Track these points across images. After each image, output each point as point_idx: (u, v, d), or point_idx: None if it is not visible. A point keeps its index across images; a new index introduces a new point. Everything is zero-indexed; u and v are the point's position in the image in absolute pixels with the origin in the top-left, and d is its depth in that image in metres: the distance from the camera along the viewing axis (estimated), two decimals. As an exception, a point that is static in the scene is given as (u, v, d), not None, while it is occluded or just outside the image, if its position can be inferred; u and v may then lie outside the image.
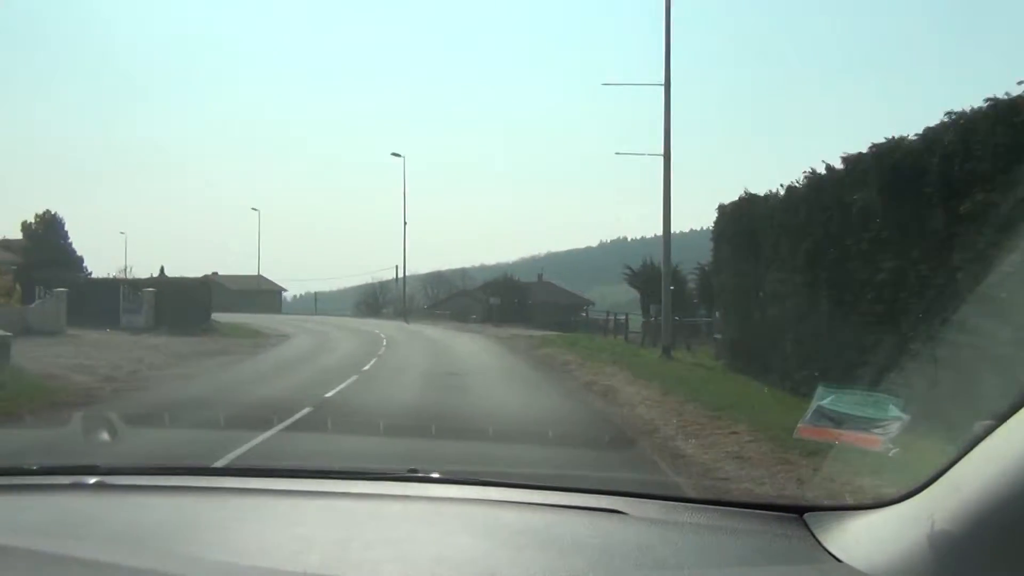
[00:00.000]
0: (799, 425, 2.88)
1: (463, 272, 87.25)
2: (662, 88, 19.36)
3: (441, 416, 9.64)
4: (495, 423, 8.33)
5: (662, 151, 19.33)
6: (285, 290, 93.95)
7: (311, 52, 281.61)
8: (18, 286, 31.53)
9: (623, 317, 34.79)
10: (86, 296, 32.52)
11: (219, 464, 4.73)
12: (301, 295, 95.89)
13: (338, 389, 12.90)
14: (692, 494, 2.18)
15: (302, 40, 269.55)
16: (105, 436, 3.41)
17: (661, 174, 19.63)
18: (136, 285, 34.34)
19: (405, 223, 53.90)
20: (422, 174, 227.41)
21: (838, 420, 2.72)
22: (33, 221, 60.83)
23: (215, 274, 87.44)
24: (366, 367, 17.25)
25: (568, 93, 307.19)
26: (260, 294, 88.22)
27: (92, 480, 1.97)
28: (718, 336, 18.37)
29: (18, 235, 58.85)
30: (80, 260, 64.50)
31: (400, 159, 53.52)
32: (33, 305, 27.54)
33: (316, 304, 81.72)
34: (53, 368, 16.37)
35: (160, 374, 16.48)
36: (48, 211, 61.65)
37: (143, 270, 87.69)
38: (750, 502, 1.92)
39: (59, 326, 26.95)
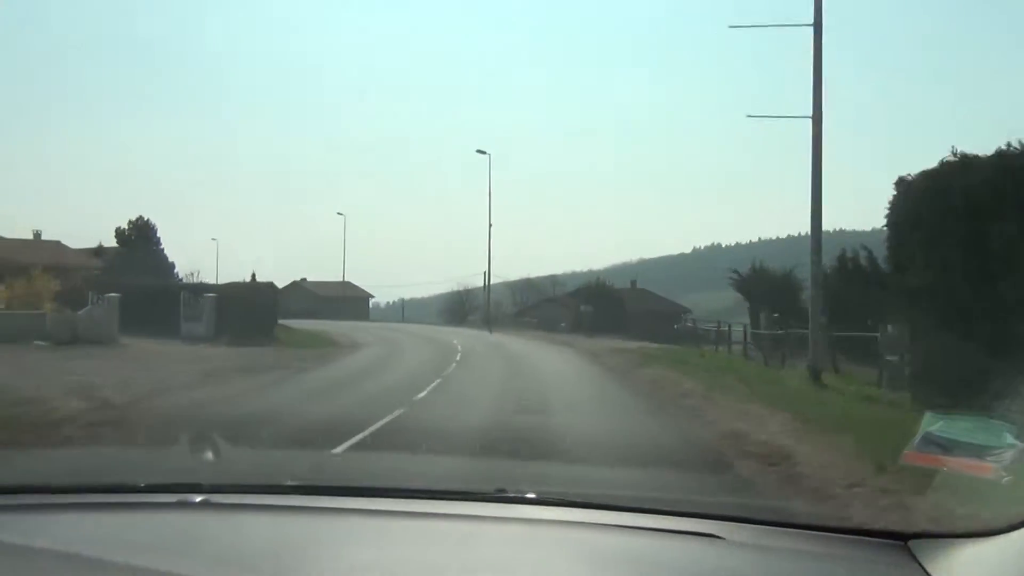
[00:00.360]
0: (905, 451, 3.03)
1: (552, 279, 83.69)
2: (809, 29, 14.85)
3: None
4: None
5: (810, 112, 14.85)
6: (372, 297, 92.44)
7: (400, 59, 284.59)
8: (91, 293, 29.53)
9: (732, 327, 30.14)
10: (152, 302, 30.24)
11: None
12: (392, 302, 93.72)
13: (366, 433, 9.07)
14: (792, 519, 2.08)
15: (389, 48, 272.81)
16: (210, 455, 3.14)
17: (808, 147, 15.15)
18: (197, 291, 31.79)
19: (490, 224, 50.79)
20: (512, 180, 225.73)
21: (947, 447, 2.78)
22: (127, 227, 60.97)
23: (304, 280, 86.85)
24: (421, 394, 13.43)
25: (666, 96, 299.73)
26: (347, 301, 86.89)
27: (198, 499, 2.00)
28: (892, 358, 13.65)
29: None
30: (171, 266, 64.12)
31: (485, 156, 50.70)
32: (81, 312, 25.14)
33: (403, 311, 79.49)
34: (46, 388, 13.38)
35: (171, 399, 13.18)
36: (141, 217, 61.72)
37: (234, 277, 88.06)
38: (853, 528, 1.88)
39: (109, 335, 24.52)
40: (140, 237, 60.18)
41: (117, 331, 24.94)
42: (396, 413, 10.74)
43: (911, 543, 1.63)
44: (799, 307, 30.79)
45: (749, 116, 24.54)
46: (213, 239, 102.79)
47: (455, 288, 75.73)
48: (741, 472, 7.26)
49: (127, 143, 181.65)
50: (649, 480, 5.43)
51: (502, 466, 5.65)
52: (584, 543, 1.77)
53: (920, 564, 1.53)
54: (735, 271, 36.39)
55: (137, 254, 59.74)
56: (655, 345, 29.84)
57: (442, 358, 22.35)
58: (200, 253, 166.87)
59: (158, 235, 62.90)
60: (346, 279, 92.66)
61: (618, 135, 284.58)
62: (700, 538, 1.73)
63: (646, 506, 2.02)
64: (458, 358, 22.46)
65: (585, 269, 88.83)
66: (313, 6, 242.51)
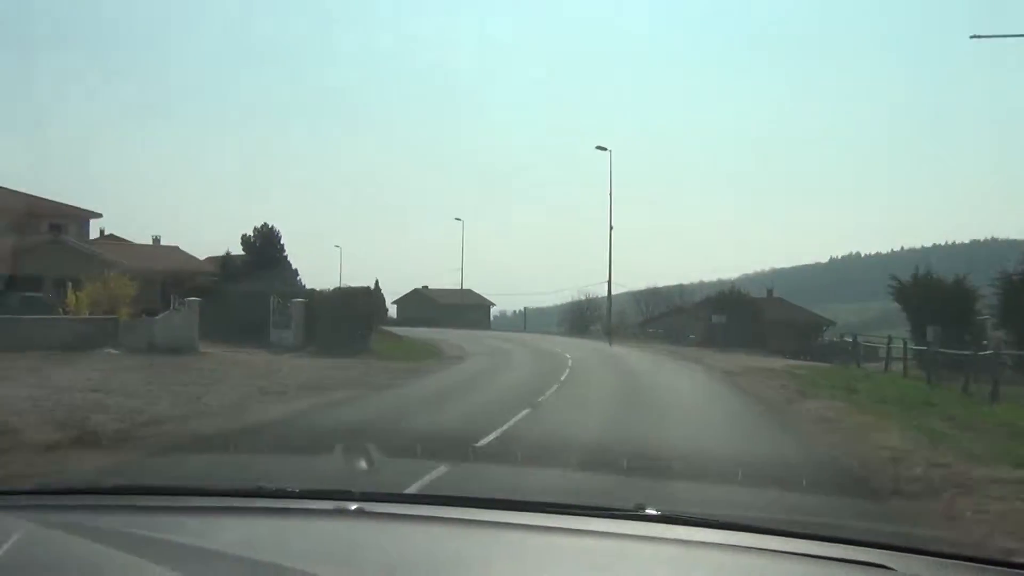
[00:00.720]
0: None
1: (680, 288, 78.67)
2: None
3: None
4: None
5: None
6: (493, 305, 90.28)
7: (522, 62, 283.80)
8: (173, 297, 28.14)
9: (891, 341, 25.05)
10: (249, 309, 28.52)
11: None
12: (516, 311, 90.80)
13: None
14: (966, 552, 1.89)
15: (512, 52, 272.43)
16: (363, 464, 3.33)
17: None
18: (288, 296, 29.75)
19: (611, 227, 46.98)
20: (638, 188, 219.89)
21: None
22: (252, 235, 61.27)
23: (425, 288, 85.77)
24: (487, 439, 9.19)
25: (804, 101, 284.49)
26: (467, 309, 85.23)
27: (353, 507, 2.03)
28: None
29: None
30: (295, 273, 63.82)
31: (606, 152, 46.94)
32: (159, 317, 23.29)
33: (525, 320, 76.70)
34: (42, 408, 10.92)
35: (162, 429, 10.24)
36: (266, 224, 61.83)
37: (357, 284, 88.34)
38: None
39: (188, 342, 22.59)
40: (265, 244, 60.51)
41: (196, 338, 23.02)
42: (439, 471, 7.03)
43: None
44: (973, 319, 26.24)
45: (974, 37, 19.47)
46: (336, 246, 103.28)
47: (577, 297, 72.15)
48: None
49: (253, 150, 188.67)
50: (803, 506, 4.71)
51: None
52: (738, 567, 1.71)
53: None
54: (895, 278, 31.39)
55: (262, 261, 59.17)
56: (799, 362, 25.29)
57: (545, 376, 18.70)
58: (327, 262, 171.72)
59: (282, 242, 63.29)
60: (467, 287, 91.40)
61: (748, 139, 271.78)
62: (866, 567, 1.65)
63: (805, 531, 1.90)
64: (564, 377, 18.79)
65: (714, 279, 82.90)
66: (431, 15, 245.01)
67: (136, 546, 1.63)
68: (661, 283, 76.50)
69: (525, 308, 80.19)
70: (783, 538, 1.83)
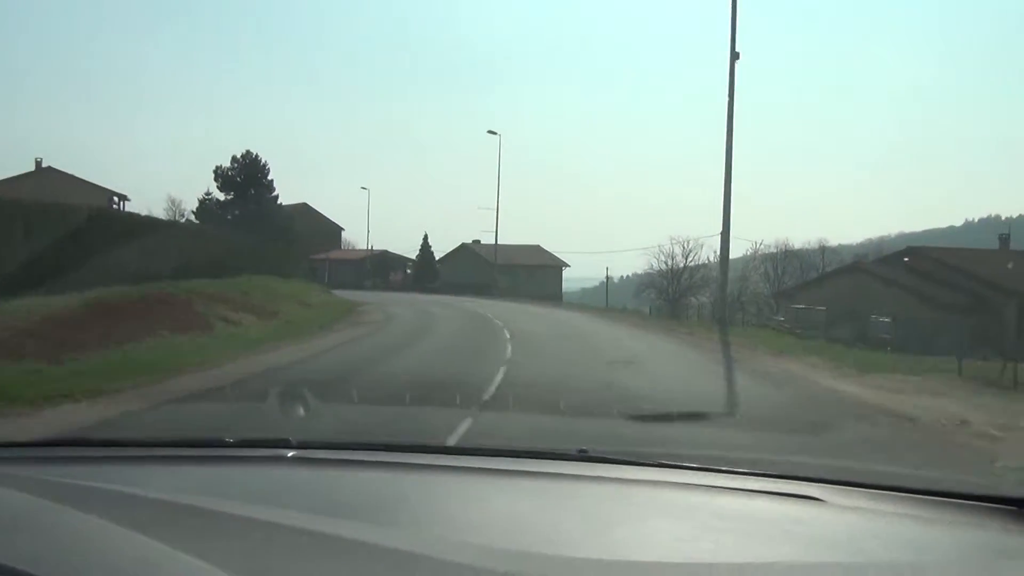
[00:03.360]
0: None
1: (824, 250, 57.28)
2: None
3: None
4: None
5: None
6: (567, 266, 70.55)
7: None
8: None
9: None
10: None
11: None
12: (615, 276, 70.01)
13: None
14: (897, 482, 1.91)
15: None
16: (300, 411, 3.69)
17: None
18: None
19: (730, 146, 26.47)
20: (754, 142, 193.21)
21: None
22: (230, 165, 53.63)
23: (476, 243, 67.04)
24: None
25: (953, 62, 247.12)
26: (533, 272, 66.25)
27: (290, 453, 2.05)
28: None
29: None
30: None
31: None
32: None
33: (607, 292, 56.77)
34: None
35: None
36: (248, 153, 52.51)
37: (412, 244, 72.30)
38: (964, 492, 1.80)
39: None
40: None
41: None
42: None
43: None
44: None
45: None
46: (363, 188, 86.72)
47: (665, 261, 51.97)
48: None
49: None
50: (751, 443, 5.37)
51: None
52: (666, 502, 1.78)
53: None
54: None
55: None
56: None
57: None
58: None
59: (270, 177, 54.51)
60: (536, 243, 72.41)
61: (881, 99, 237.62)
62: (799, 500, 1.71)
63: (740, 468, 1.98)
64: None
65: (835, 243, 59.02)
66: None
67: (64, 495, 1.57)
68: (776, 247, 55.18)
69: (609, 275, 59.81)
70: (715, 474, 1.91)
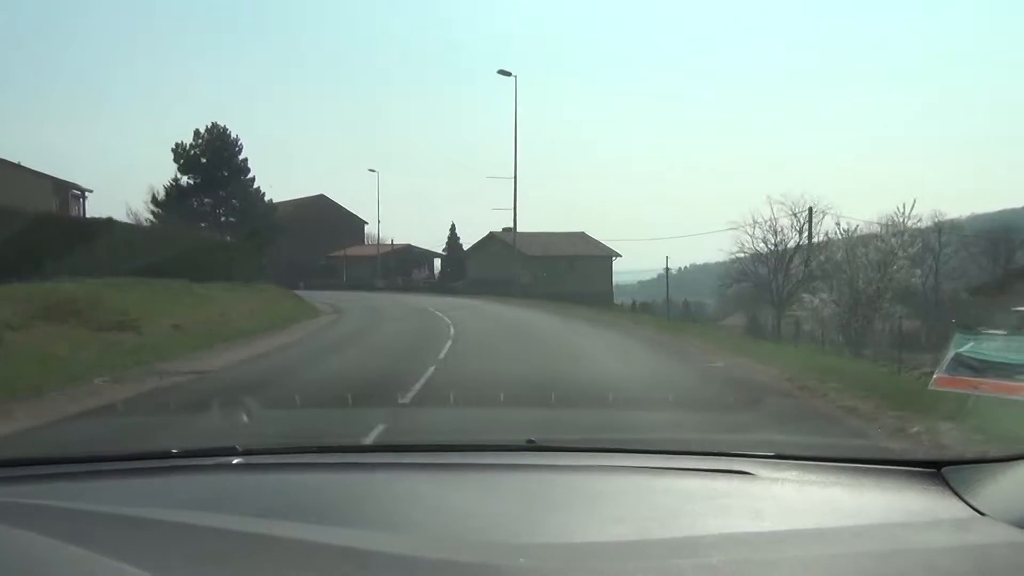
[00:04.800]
0: (935, 376, 2.80)
1: (938, 220, 44.79)
2: None
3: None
4: None
5: None
6: (617, 255, 59.50)
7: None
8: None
9: None
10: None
11: None
12: (682, 268, 58.38)
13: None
14: (821, 453, 2.00)
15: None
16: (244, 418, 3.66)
17: None
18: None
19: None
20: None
21: (979, 368, 2.59)
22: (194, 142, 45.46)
23: (505, 231, 56.43)
24: None
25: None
26: (577, 264, 55.57)
27: (235, 460, 2.03)
28: None
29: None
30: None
31: None
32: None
33: (668, 286, 46.45)
34: None
35: None
36: (216, 126, 43.49)
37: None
38: (885, 459, 1.90)
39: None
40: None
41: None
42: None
43: (945, 470, 1.67)
44: None
45: None
46: (371, 170, 74.91)
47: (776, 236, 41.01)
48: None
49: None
50: (682, 422, 5.41)
51: None
52: (611, 485, 1.82)
53: (954, 491, 1.56)
54: None
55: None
56: None
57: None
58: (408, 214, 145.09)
59: (243, 156, 45.67)
60: (580, 230, 61.54)
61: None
62: (731, 475, 1.78)
63: (674, 448, 2.08)
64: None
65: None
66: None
67: (3, 515, 1.54)
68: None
69: (668, 266, 48.53)
70: (649, 455, 1.98)
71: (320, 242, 68.58)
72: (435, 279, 64.83)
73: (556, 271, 53.31)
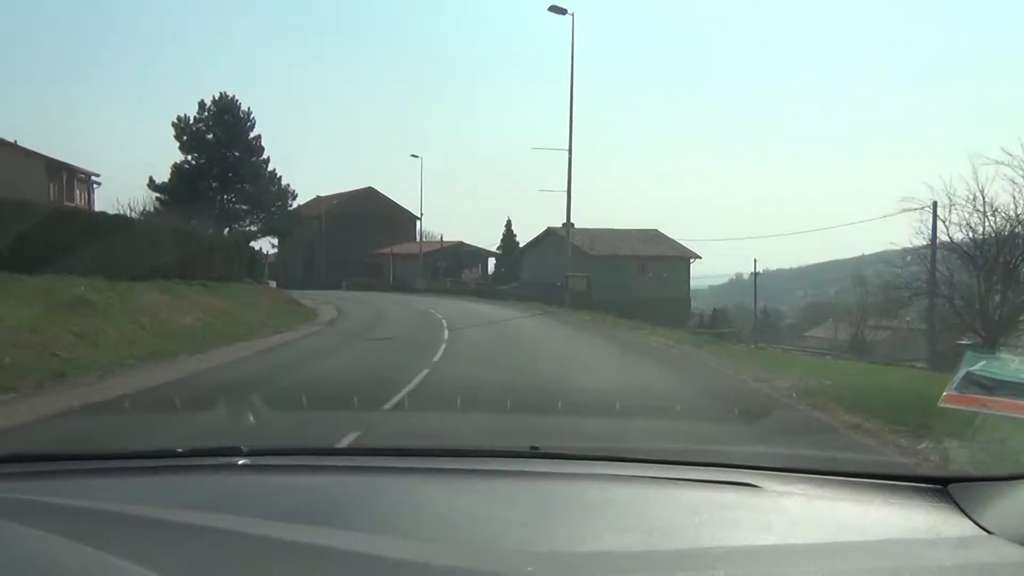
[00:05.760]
0: (945, 393, 2.86)
1: None
2: None
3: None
4: None
5: None
6: (697, 257, 51.67)
7: None
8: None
9: None
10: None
11: None
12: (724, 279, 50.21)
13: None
14: (829, 467, 1.98)
15: None
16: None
17: None
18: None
19: None
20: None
21: (989, 387, 2.67)
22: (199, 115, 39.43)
23: (566, 226, 48.95)
24: None
25: None
26: (648, 264, 48.17)
27: (241, 461, 2.01)
28: None
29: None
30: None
31: None
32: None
33: (755, 294, 39.69)
34: None
35: None
36: (224, 95, 39.04)
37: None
38: (892, 474, 1.87)
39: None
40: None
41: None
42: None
43: (951, 487, 1.65)
44: None
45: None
46: (414, 155, 63.65)
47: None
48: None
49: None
50: (690, 432, 5.31)
51: None
52: (616, 495, 1.78)
53: (960, 508, 1.55)
54: None
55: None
56: None
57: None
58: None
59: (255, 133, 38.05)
60: (653, 227, 53.50)
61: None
62: (737, 487, 1.75)
63: (683, 459, 2.04)
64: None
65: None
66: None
67: (8, 511, 1.52)
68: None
69: (756, 266, 40.54)
70: (655, 465, 1.94)
71: (369, 238, 62.88)
72: (488, 280, 57.96)
73: (624, 274, 45.63)
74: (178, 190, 36.48)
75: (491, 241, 63.45)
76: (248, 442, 2.16)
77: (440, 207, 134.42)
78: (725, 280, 52.32)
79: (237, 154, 37.72)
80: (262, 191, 37.81)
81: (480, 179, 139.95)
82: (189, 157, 37.41)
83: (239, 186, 37.89)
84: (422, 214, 55.38)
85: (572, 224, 37.07)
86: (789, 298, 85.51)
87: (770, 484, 1.75)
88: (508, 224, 61.35)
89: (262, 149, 39.00)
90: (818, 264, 78.15)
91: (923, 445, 5.55)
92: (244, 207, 38.93)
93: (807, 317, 64.09)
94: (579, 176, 61.68)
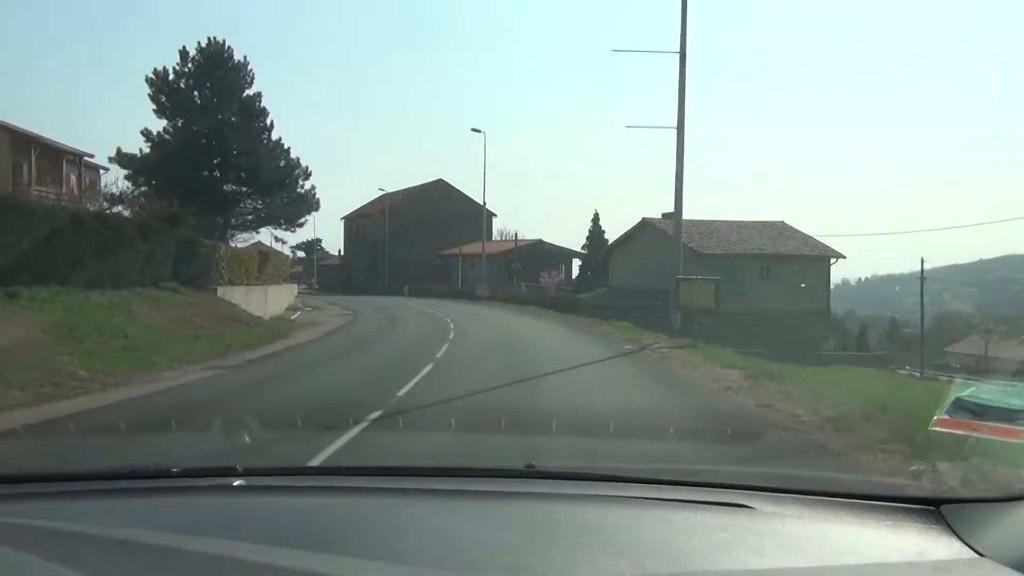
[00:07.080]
0: (936, 417, 2.70)
1: None
2: None
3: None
4: None
5: None
6: (841, 257, 40.03)
7: None
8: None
9: None
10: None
11: None
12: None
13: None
14: (822, 487, 1.95)
15: None
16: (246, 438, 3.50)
17: None
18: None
19: None
20: None
21: (978, 412, 2.56)
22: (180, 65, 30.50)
23: (665, 217, 38.05)
24: None
25: None
26: (774, 266, 37.14)
27: (236, 482, 1.98)
28: None
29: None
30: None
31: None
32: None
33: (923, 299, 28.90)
34: None
35: None
36: (213, 40, 29.98)
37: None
38: (884, 495, 1.86)
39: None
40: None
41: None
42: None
43: (943, 508, 1.65)
44: None
45: None
46: (475, 130, 51.60)
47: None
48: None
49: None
50: (680, 452, 5.34)
51: None
52: (610, 515, 1.78)
53: (952, 529, 1.55)
54: None
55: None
56: None
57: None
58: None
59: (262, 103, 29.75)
60: (781, 219, 41.96)
61: None
62: (730, 508, 1.76)
63: (675, 478, 2.03)
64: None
65: None
66: None
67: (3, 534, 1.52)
68: None
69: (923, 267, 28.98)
70: (652, 486, 1.92)
71: (439, 237, 54.02)
72: (571, 285, 47.87)
73: (741, 278, 34.32)
74: (154, 167, 27.98)
75: (576, 240, 53.17)
76: (243, 462, 2.12)
77: (519, 203, 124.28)
78: (853, 281, 41.43)
79: (233, 119, 28.91)
80: (258, 164, 28.75)
81: (564, 165, 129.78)
82: (166, 122, 28.80)
83: (236, 159, 29.04)
84: (485, 202, 45.52)
85: (681, 212, 24.67)
86: (900, 306, 73.24)
87: (763, 505, 1.75)
88: (595, 219, 50.99)
89: (265, 113, 30.06)
90: (934, 268, 65.18)
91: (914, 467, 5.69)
92: (244, 188, 30.12)
93: (935, 329, 53.00)
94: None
